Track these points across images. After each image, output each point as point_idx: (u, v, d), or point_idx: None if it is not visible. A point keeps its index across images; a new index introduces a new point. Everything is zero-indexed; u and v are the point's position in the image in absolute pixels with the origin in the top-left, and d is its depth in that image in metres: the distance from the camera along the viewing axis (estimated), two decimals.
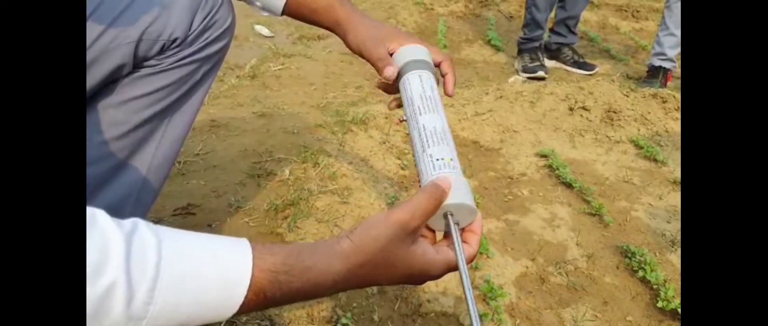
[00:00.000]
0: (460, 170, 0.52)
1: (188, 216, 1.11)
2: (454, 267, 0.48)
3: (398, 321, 0.97)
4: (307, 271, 0.40)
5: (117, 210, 0.72)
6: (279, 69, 2.13)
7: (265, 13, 0.74)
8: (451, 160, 0.52)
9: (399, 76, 0.64)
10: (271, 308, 0.48)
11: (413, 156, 0.56)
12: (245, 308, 0.38)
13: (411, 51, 0.65)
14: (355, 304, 0.98)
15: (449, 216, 0.48)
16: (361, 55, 0.71)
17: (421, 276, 0.47)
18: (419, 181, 0.53)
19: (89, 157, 0.69)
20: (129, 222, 0.36)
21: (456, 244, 0.47)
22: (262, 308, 0.40)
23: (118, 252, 0.33)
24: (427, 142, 0.54)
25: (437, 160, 0.52)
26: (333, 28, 0.71)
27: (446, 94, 0.67)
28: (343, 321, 0.93)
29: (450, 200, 0.48)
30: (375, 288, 1.03)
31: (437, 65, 0.68)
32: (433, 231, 0.50)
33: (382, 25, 0.71)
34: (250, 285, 0.38)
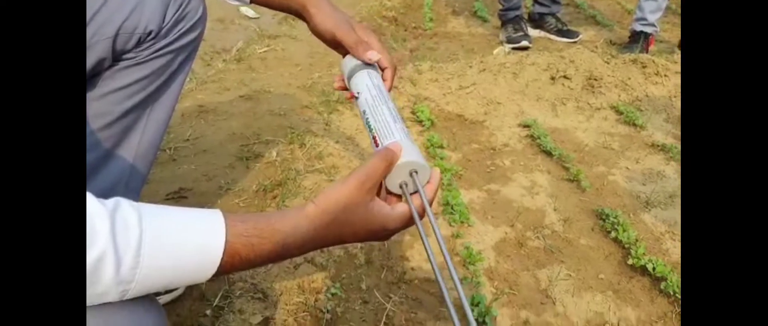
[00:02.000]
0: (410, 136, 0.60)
1: (181, 200, 1.16)
2: (410, 219, 0.53)
3: (384, 288, 1.03)
4: (276, 233, 0.45)
5: (109, 197, 0.77)
6: (265, 51, 2.15)
7: (235, 2, 0.77)
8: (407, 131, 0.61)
9: (352, 72, 0.72)
10: (249, 269, 0.53)
11: (373, 124, 0.62)
12: (223, 269, 0.43)
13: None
14: (343, 275, 1.03)
15: (414, 174, 0.54)
16: (333, 39, 0.74)
17: (381, 231, 0.52)
18: (377, 143, 0.60)
19: None
20: (111, 200, 0.40)
21: (408, 199, 0.53)
22: (239, 269, 0.46)
23: (104, 226, 0.38)
24: (396, 117, 0.62)
25: (404, 130, 0.60)
26: (300, 11, 0.74)
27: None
28: (333, 290, 0.98)
29: (404, 158, 0.54)
30: (362, 259, 1.08)
31: (383, 69, 0.74)
32: (398, 197, 0.55)
33: (343, 12, 0.75)
34: (225, 249, 0.43)
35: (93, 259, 0.37)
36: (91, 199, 0.39)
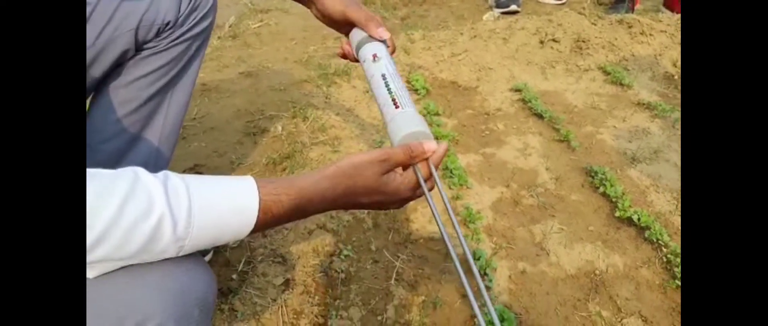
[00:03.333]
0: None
1: None
2: (420, 186, 0.59)
3: (392, 248, 1.11)
4: (301, 191, 0.52)
5: None
6: (258, 26, 2.17)
7: None
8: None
9: (360, 44, 0.78)
10: (278, 225, 0.60)
11: (394, 89, 0.69)
12: (258, 226, 0.50)
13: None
14: (354, 238, 1.12)
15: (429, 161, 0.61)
16: (343, 18, 0.78)
17: (394, 195, 0.58)
18: (396, 105, 0.66)
19: (108, 132, 0.80)
20: (161, 173, 0.47)
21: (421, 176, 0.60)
22: (271, 225, 0.52)
23: (160, 194, 0.44)
24: (404, 90, 0.69)
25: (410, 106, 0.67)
26: None
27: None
28: (345, 252, 1.07)
29: (417, 127, 0.61)
30: (370, 223, 1.17)
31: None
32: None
33: None
34: (259, 206, 0.49)
35: (154, 222, 0.44)
36: (145, 173, 0.46)
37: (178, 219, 0.45)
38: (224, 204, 0.48)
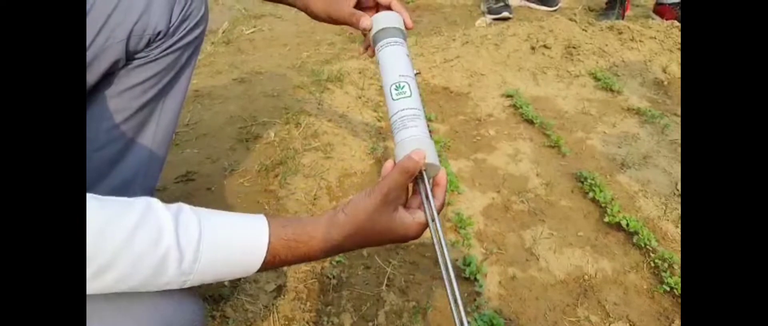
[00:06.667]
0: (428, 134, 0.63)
1: (189, 182, 1.23)
2: (427, 227, 0.58)
3: (384, 254, 1.12)
4: (311, 239, 0.52)
5: (131, 183, 0.84)
6: (252, 32, 2.18)
7: None
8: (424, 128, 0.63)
9: (377, 39, 0.74)
10: (284, 266, 0.60)
11: (389, 103, 0.66)
12: (264, 267, 0.50)
13: (386, 17, 0.75)
14: None
15: (423, 173, 0.58)
16: (330, 18, 0.80)
17: (402, 237, 0.57)
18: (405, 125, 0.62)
19: (100, 141, 0.80)
20: (175, 205, 0.47)
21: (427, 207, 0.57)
22: (277, 267, 0.52)
23: (170, 227, 0.44)
24: (419, 112, 0.64)
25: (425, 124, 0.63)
26: (294, 1, 0.80)
27: (407, 27, 0.76)
28: (337, 258, 1.08)
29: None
30: None
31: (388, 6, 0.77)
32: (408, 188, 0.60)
33: None
34: (267, 250, 0.49)
35: (160, 254, 0.44)
36: (158, 204, 0.45)
37: (185, 254, 0.45)
38: (234, 244, 0.48)
